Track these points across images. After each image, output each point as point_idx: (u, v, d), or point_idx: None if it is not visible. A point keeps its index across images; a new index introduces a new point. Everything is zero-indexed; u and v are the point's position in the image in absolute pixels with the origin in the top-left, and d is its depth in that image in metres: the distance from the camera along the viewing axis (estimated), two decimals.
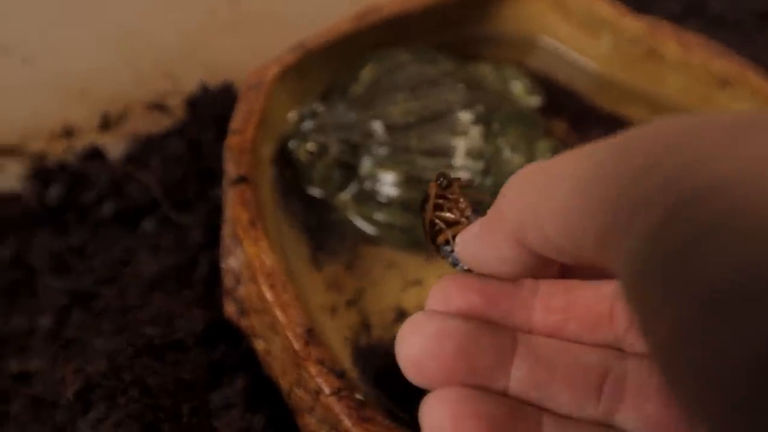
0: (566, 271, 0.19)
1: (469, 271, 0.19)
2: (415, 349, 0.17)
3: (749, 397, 0.09)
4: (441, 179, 0.20)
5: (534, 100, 0.39)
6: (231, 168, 0.32)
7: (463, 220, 0.19)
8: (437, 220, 0.19)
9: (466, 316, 0.17)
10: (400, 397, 0.29)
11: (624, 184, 0.12)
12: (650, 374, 0.17)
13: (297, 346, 0.26)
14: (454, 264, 0.19)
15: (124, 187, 0.38)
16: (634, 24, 0.36)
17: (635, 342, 0.18)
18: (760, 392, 0.09)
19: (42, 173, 0.38)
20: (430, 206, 0.20)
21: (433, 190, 0.20)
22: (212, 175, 0.40)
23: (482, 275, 0.18)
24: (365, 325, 0.33)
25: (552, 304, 0.18)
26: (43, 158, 0.39)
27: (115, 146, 0.40)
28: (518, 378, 0.17)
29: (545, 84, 0.40)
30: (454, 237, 0.19)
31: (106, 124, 0.39)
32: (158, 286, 0.34)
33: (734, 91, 0.35)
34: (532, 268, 0.17)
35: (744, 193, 0.09)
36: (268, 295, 0.27)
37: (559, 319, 0.18)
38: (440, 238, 0.19)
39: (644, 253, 0.11)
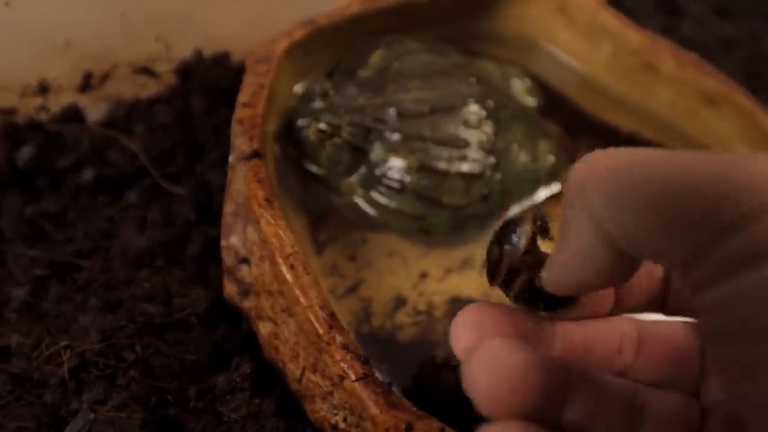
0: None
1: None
2: (500, 379, 0.16)
3: None
4: (540, 221, 0.17)
5: (531, 101, 0.40)
6: (243, 143, 0.30)
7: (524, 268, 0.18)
8: (520, 265, 0.18)
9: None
10: (401, 386, 0.29)
11: (726, 215, 0.13)
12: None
13: (321, 330, 0.25)
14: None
15: (105, 154, 0.35)
16: (635, 36, 0.38)
17: (643, 375, 0.19)
18: None
19: (12, 131, 0.34)
20: (519, 248, 0.18)
21: (529, 228, 0.17)
22: (200, 149, 0.38)
23: (510, 308, 0.18)
24: (366, 313, 0.33)
25: (572, 338, 0.19)
26: (11, 115, 0.35)
27: (94, 109, 0.37)
28: (573, 412, 0.17)
29: (540, 86, 0.41)
30: (534, 278, 0.18)
31: (87, 84, 0.36)
32: (146, 262, 0.32)
33: (720, 109, 0.37)
34: (615, 261, 0.16)
35: None
36: (289, 276, 0.26)
37: (579, 354, 0.19)
38: (518, 282, 0.18)
39: (733, 296, 0.13)
